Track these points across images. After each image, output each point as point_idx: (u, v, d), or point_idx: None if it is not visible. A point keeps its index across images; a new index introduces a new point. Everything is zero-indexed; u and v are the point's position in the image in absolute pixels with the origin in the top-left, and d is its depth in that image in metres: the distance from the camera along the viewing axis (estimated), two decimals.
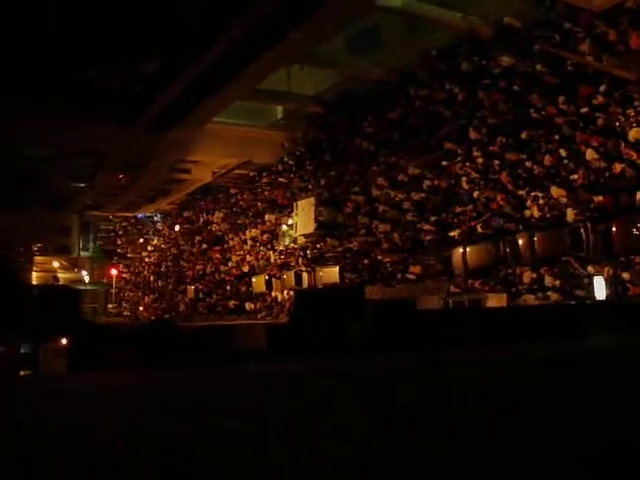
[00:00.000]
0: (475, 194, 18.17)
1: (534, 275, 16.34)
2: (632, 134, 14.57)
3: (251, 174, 30.76)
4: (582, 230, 15.04)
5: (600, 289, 14.41)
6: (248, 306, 29.74)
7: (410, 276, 19.99)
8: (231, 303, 31.24)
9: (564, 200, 15.71)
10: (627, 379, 5.07)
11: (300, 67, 23.08)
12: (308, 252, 25.52)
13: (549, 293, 15.72)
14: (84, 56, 17.89)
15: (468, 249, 17.97)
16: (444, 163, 19.24)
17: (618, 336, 9.39)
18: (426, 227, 19.61)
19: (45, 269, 43.23)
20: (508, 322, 11.67)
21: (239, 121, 26.05)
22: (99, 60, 18.39)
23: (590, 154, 15.31)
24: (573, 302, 14.84)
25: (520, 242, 16.54)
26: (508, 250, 16.88)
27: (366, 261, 21.83)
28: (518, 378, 5.50)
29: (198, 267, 35.93)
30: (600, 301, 14.10)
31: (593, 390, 4.76)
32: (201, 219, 36.86)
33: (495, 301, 16.52)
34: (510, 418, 3.99)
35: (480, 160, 18.16)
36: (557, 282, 15.72)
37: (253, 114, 26.88)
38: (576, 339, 9.20)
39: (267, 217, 29.08)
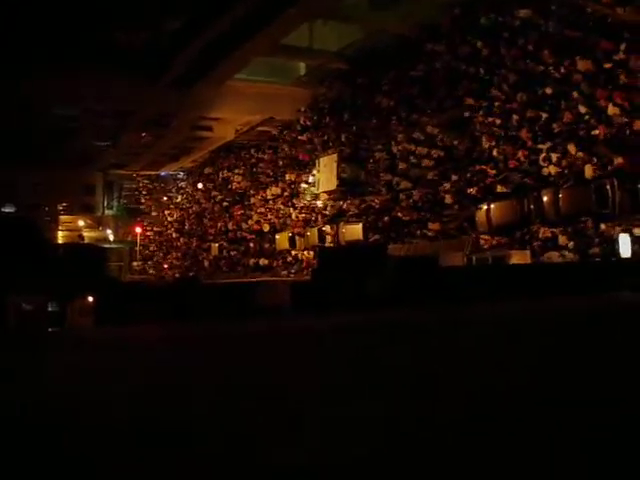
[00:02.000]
0: (494, 152, 18.03)
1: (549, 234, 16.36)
2: None
3: (274, 132, 30.62)
4: (608, 187, 14.86)
5: (625, 247, 14.29)
6: (262, 262, 29.98)
7: (429, 233, 19.99)
8: (251, 261, 31.44)
9: (580, 156, 15.59)
10: None
11: (323, 23, 22.79)
12: (328, 209, 25.53)
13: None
14: (108, 15, 17.85)
15: (492, 206, 17.86)
16: (466, 114, 19.06)
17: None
18: (446, 186, 19.55)
19: (70, 228, 43.50)
20: (532, 279, 11.66)
21: (262, 78, 25.87)
22: (123, 19, 18.34)
23: (612, 110, 15.09)
24: (598, 259, 14.74)
25: (545, 199, 16.40)
26: (532, 207, 16.75)
27: (386, 218, 21.79)
28: (539, 334, 5.51)
29: (220, 225, 36.08)
30: (625, 259, 14.00)
31: (615, 345, 4.77)
32: (221, 176, 36.88)
33: (518, 258, 16.45)
34: (530, 374, 4.00)
35: (500, 117, 17.97)
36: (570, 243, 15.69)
37: (276, 71, 26.67)
38: (599, 295, 9.18)
39: (288, 175, 29.04)
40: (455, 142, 19.43)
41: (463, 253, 17.95)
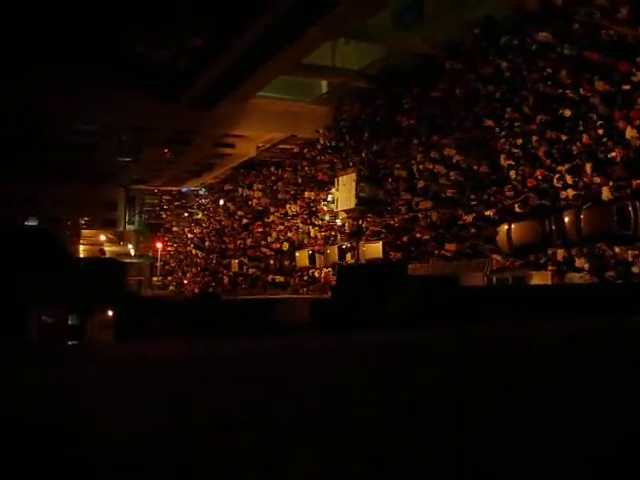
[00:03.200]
0: (512, 174, 18.03)
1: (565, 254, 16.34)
2: None
3: (295, 149, 30.74)
4: (630, 208, 14.76)
5: None
6: (278, 279, 30.18)
7: (447, 253, 19.99)
8: (269, 277, 31.57)
9: (597, 180, 15.57)
10: None
11: (345, 42, 22.93)
12: (347, 227, 25.61)
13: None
14: (131, 31, 18.05)
15: (513, 226, 17.78)
16: (486, 135, 19.08)
17: None
18: (463, 215, 19.65)
19: (92, 242, 43.87)
20: (553, 300, 11.58)
21: (284, 95, 26.03)
22: (146, 35, 18.54)
23: (630, 132, 15.04)
24: (620, 281, 14.63)
25: (566, 220, 16.30)
26: (554, 227, 16.65)
27: (405, 238, 21.82)
28: (558, 354, 5.47)
29: (239, 242, 36.25)
30: None
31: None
32: (241, 193, 37.08)
33: (539, 279, 16.35)
34: (549, 394, 3.98)
35: (519, 137, 17.95)
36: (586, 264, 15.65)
37: (298, 88, 26.85)
38: (621, 317, 9.08)
39: (307, 193, 29.15)
40: (474, 164, 19.43)
41: (483, 273, 17.88)
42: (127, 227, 46.63)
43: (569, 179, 16.37)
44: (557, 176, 16.67)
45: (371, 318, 9.91)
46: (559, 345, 6.11)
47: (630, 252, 14.79)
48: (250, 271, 34.40)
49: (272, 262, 31.89)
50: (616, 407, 3.59)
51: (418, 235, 21.29)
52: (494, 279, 17.49)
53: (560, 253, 16.47)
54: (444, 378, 4.65)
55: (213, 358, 6.07)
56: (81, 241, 43.53)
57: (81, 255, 40.49)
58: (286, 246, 30.56)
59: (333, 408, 3.75)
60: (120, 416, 3.74)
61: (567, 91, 16.62)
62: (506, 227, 17.96)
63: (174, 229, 47.33)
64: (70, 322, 11.08)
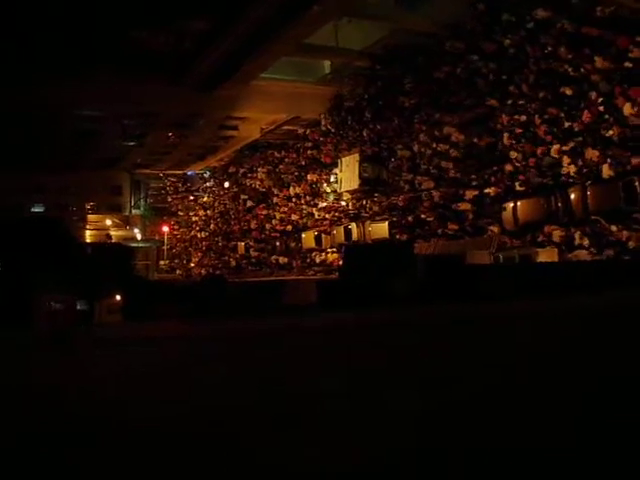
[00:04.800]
0: (512, 154, 18.00)
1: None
2: None
3: (299, 130, 30.64)
4: (636, 183, 14.71)
5: None
6: (281, 260, 30.32)
7: (449, 232, 20.04)
8: (272, 258, 31.72)
9: (596, 158, 15.55)
10: None
11: (348, 21, 22.75)
12: (350, 207, 25.66)
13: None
14: (133, 16, 17.96)
15: (519, 204, 17.75)
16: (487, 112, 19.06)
17: None
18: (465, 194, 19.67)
19: (98, 227, 43.91)
20: (560, 277, 11.58)
21: (287, 77, 25.88)
22: (148, 19, 18.46)
23: (628, 109, 14.98)
24: (627, 257, 14.62)
25: (572, 196, 16.27)
26: (560, 205, 16.62)
27: (410, 218, 21.84)
28: (566, 329, 5.48)
29: (243, 224, 36.33)
30: None
31: None
32: (245, 175, 37.11)
33: (546, 256, 16.33)
34: (551, 368, 3.99)
35: (522, 115, 17.89)
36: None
37: (301, 69, 26.67)
38: (625, 292, 9.09)
39: (310, 175, 29.18)
40: (475, 143, 19.44)
41: (489, 251, 17.86)
42: (133, 211, 46.68)
43: (569, 158, 16.36)
44: (557, 152, 16.65)
45: (378, 297, 9.93)
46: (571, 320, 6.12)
47: (625, 232, 14.89)
48: (254, 254, 34.51)
49: (278, 244, 31.96)
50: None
51: (422, 216, 21.30)
52: (500, 257, 17.48)
53: (556, 234, 16.53)
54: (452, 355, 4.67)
55: (220, 338, 6.09)
56: (87, 226, 43.58)
57: (88, 240, 40.58)
58: (289, 227, 30.63)
59: (345, 388, 3.77)
60: (131, 397, 3.77)
61: (568, 68, 16.54)
62: (512, 205, 17.94)
63: (180, 213, 47.36)
64: (79, 307, 11.13)
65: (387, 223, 22.79)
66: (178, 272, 44.34)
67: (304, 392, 3.55)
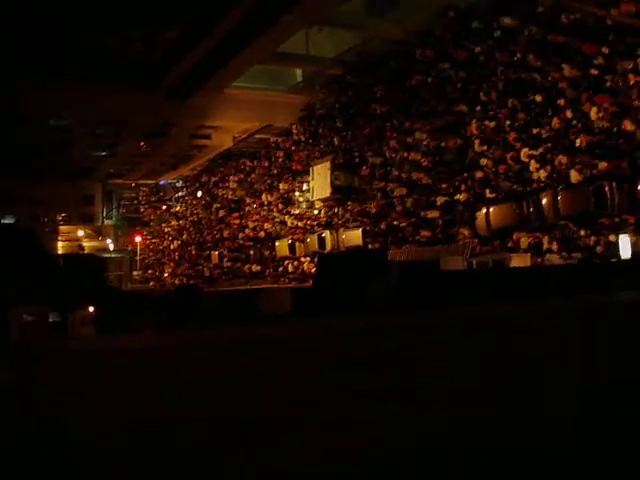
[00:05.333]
0: (482, 161, 18.20)
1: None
2: None
3: (271, 139, 30.66)
4: (606, 188, 14.90)
5: (625, 248, 14.33)
6: (254, 269, 30.41)
7: (422, 239, 20.15)
8: (246, 267, 31.76)
9: (565, 162, 15.81)
10: None
11: (319, 29, 22.84)
12: (322, 215, 25.78)
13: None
14: (104, 26, 17.90)
15: (491, 209, 17.90)
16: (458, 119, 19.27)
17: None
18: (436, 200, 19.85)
19: (70, 238, 43.59)
20: (533, 281, 11.65)
21: (259, 85, 25.93)
22: (118, 27, 18.39)
23: (594, 115, 15.22)
24: (597, 261, 14.79)
25: (544, 201, 16.44)
26: (532, 210, 16.78)
27: (383, 225, 21.93)
28: (538, 335, 5.51)
29: (216, 233, 36.29)
30: (625, 260, 14.03)
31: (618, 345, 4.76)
32: (218, 184, 37.11)
33: (519, 261, 16.47)
34: (532, 376, 4.00)
35: (492, 122, 18.10)
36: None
37: (273, 78, 26.74)
38: (597, 295, 9.16)
39: (282, 183, 29.27)
40: (444, 144, 19.64)
41: (463, 257, 17.98)
42: (105, 222, 46.40)
43: (538, 164, 16.59)
44: (527, 157, 16.88)
45: (353, 305, 9.93)
46: (547, 324, 6.14)
47: (592, 237, 15.20)
48: (227, 263, 34.47)
49: (252, 252, 31.92)
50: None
51: (395, 222, 21.39)
52: (474, 262, 17.60)
53: (524, 240, 16.76)
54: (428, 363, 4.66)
55: (198, 348, 6.04)
56: (59, 237, 43.23)
57: (60, 251, 40.26)
58: (262, 234, 30.69)
59: (319, 399, 3.75)
60: (102, 409, 3.71)
61: (536, 75, 16.77)
62: (484, 211, 18.08)
63: (152, 223, 47.16)
64: (51, 319, 11.03)
65: (361, 230, 22.85)
66: (152, 283, 44.10)
67: (286, 398, 3.53)
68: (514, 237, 17.16)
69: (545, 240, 16.33)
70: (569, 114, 15.91)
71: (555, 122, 16.23)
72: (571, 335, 5.12)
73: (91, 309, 11.69)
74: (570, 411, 3.13)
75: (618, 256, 14.39)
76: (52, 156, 32.89)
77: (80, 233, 44.32)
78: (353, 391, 3.66)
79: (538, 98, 16.70)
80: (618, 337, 4.92)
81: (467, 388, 3.73)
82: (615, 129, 14.96)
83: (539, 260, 16.24)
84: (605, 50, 15.17)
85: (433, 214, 19.90)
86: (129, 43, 19.90)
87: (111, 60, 20.50)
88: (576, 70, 15.80)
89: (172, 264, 42.97)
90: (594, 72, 15.40)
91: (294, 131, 28.05)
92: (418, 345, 5.09)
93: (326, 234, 24.83)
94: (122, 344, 6.86)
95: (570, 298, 8.61)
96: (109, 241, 45.77)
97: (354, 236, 23.12)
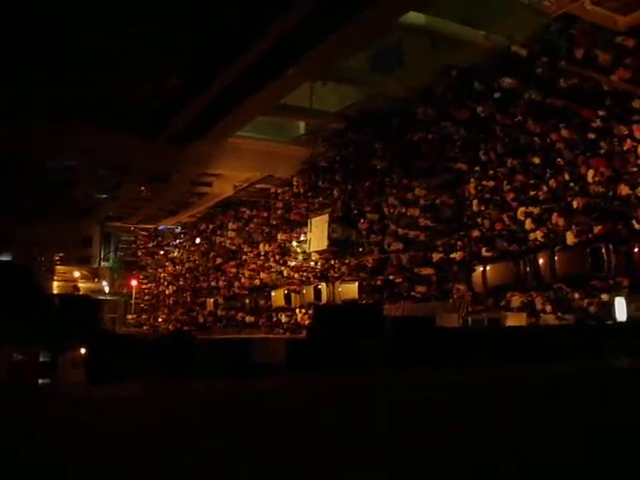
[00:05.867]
0: (479, 220, 18.33)
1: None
2: None
3: (272, 189, 30.82)
4: (603, 250, 14.97)
5: (621, 310, 14.32)
6: (248, 319, 30.35)
7: (417, 295, 20.15)
8: (239, 316, 31.68)
9: (562, 223, 15.96)
10: None
11: (323, 83, 23.15)
12: (319, 267, 25.87)
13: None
14: (109, 70, 18.11)
15: (488, 267, 17.93)
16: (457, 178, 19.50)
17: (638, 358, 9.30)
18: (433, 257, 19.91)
19: (66, 279, 43.48)
20: (527, 342, 11.61)
21: (261, 136, 26.16)
22: (124, 74, 18.60)
23: (591, 178, 15.42)
24: (593, 323, 14.77)
25: (540, 261, 16.49)
26: (528, 269, 16.82)
27: (379, 280, 21.94)
28: (535, 399, 5.47)
29: (212, 281, 36.26)
30: (621, 322, 14.02)
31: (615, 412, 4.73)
32: (216, 232, 37.20)
33: (514, 320, 16.45)
34: (526, 439, 3.97)
35: (491, 182, 18.29)
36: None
37: (275, 129, 27.01)
38: (597, 360, 9.12)
39: (280, 234, 29.42)
40: (440, 201, 19.81)
41: (459, 314, 17.96)
42: (102, 264, 46.36)
43: (535, 225, 16.73)
44: (523, 216, 17.03)
45: (347, 359, 9.87)
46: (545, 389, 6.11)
47: (586, 300, 15.27)
48: (222, 312, 34.35)
49: (247, 301, 31.82)
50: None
51: (391, 277, 21.42)
52: (469, 320, 17.56)
53: (515, 299, 16.77)
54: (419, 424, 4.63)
55: (186, 400, 6.00)
56: (55, 277, 43.13)
57: (55, 291, 40.09)
58: (257, 282, 30.69)
59: (312, 455, 3.72)
60: (92, 460, 3.67)
61: (535, 138, 17.00)
62: (481, 269, 18.11)
63: (149, 269, 47.09)
64: (41, 359, 10.92)
65: (357, 284, 22.85)
66: (145, 327, 43.85)
67: (277, 461, 3.50)
68: (507, 296, 17.21)
69: (538, 300, 16.37)
70: (566, 176, 16.11)
71: (552, 183, 16.42)
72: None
73: (83, 351, 11.59)
74: None
75: (613, 318, 14.39)
76: (52, 196, 32.98)
77: (76, 274, 44.23)
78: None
79: (536, 160, 16.91)
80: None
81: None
82: (611, 193, 15.14)
83: (534, 320, 16.23)
84: (602, 113, 15.43)
85: (427, 270, 19.94)
86: (134, 88, 20.10)
87: (115, 105, 20.70)
88: (574, 133, 16.03)
89: (166, 309, 42.79)
90: (591, 136, 15.64)
91: (294, 183, 28.24)
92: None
93: (322, 286, 24.81)
94: (113, 393, 6.79)
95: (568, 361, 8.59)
96: (105, 283, 45.65)
97: (350, 289, 23.12)
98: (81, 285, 43.42)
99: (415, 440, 4.06)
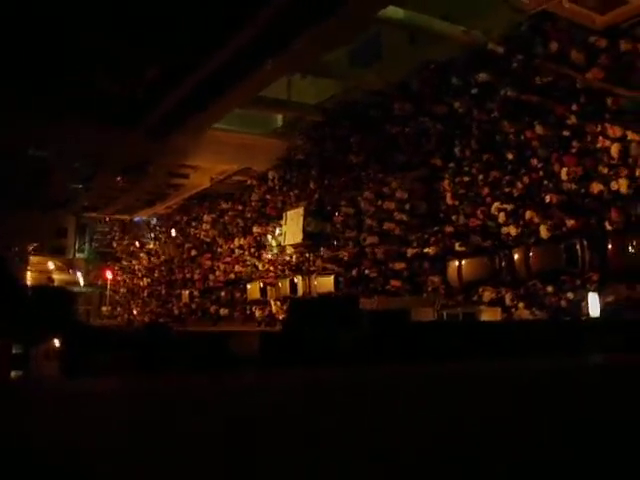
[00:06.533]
0: (453, 216, 18.48)
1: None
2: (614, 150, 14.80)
3: (249, 181, 30.76)
4: (578, 246, 15.10)
5: (594, 306, 14.47)
6: (222, 312, 30.36)
7: (391, 289, 20.25)
8: (212, 308, 31.68)
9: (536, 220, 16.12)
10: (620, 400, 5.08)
11: (301, 76, 23.11)
12: (294, 261, 25.95)
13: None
14: (88, 60, 17.95)
15: (463, 262, 18.03)
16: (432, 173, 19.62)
17: (612, 354, 9.40)
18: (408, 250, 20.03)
19: (40, 270, 43.15)
20: (501, 336, 11.70)
21: (239, 128, 26.07)
22: (102, 64, 18.46)
23: (564, 175, 15.58)
24: (567, 318, 14.91)
25: (516, 257, 16.60)
26: (504, 264, 16.94)
27: (354, 273, 22.00)
28: (505, 394, 5.51)
29: (187, 273, 36.18)
30: (594, 318, 14.17)
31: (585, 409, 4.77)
32: (191, 224, 37.09)
33: (489, 314, 16.57)
34: (503, 434, 4.00)
35: (465, 178, 18.44)
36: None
37: (253, 121, 26.92)
38: (569, 355, 9.21)
39: (256, 227, 29.43)
40: (418, 203, 19.94)
41: (434, 308, 18.05)
42: (77, 255, 46.04)
43: (509, 219, 16.88)
44: (497, 211, 17.18)
45: (322, 352, 9.88)
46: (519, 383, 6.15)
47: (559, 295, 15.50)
48: (196, 302, 34.31)
49: (223, 294, 31.77)
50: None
51: (367, 271, 21.48)
52: (444, 314, 17.67)
53: (487, 294, 16.91)
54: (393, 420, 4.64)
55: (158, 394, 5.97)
56: (29, 268, 42.75)
57: (29, 282, 39.77)
58: (232, 277, 30.68)
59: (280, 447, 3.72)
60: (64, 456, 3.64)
61: (510, 134, 17.13)
62: (457, 263, 18.20)
63: (124, 260, 46.82)
64: (14, 351, 10.82)
65: (333, 277, 22.87)
66: (119, 319, 43.64)
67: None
68: (480, 291, 17.36)
69: (508, 296, 16.53)
70: (540, 173, 16.27)
71: (526, 179, 16.56)
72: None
73: (57, 343, 11.49)
74: None
75: (586, 313, 14.54)
76: (27, 186, 32.65)
77: (51, 265, 43.89)
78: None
79: (510, 155, 17.06)
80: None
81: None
82: (583, 190, 15.30)
83: (508, 314, 16.38)
84: (575, 108, 15.59)
85: (400, 265, 20.04)
86: (113, 79, 19.94)
87: (93, 96, 20.51)
88: (548, 130, 16.17)
89: (141, 301, 42.61)
90: (565, 133, 15.79)
91: (270, 177, 28.25)
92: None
93: (298, 279, 24.83)
94: (90, 387, 6.75)
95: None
96: (79, 275, 45.34)
97: (326, 282, 23.13)
98: (55, 276, 43.12)
99: (393, 433, 4.07)
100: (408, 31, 20.08)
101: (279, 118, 27.67)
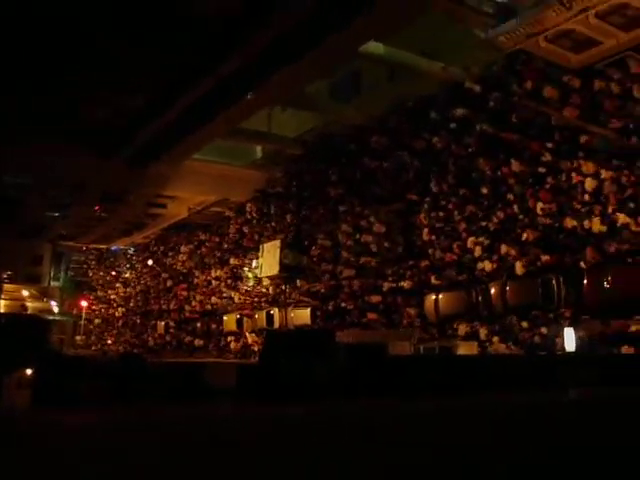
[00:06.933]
0: (430, 250, 18.58)
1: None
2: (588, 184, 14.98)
3: (226, 212, 30.74)
4: (554, 282, 15.18)
5: (570, 341, 14.52)
6: (197, 343, 30.22)
7: (368, 322, 20.25)
8: (187, 339, 31.53)
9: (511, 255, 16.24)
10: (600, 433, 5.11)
11: (282, 109, 23.24)
12: (270, 293, 25.97)
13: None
14: (69, 88, 17.95)
15: (440, 296, 18.07)
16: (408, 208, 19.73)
17: (587, 388, 9.45)
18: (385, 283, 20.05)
19: (14, 297, 42.56)
20: (478, 371, 11.71)
21: (218, 159, 26.08)
22: (84, 93, 18.46)
23: (540, 210, 15.76)
24: (543, 353, 14.95)
25: (492, 291, 16.66)
26: (480, 299, 16.99)
27: (331, 306, 21.99)
28: (483, 431, 5.52)
29: (163, 303, 35.94)
30: (569, 353, 14.21)
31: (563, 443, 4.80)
32: (168, 254, 36.94)
33: (466, 349, 16.57)
34: (479, 465, 4.01)
35: (441, 213, 18.60)
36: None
37: (232, 153, 26.94)
38: (544, 390, 9.24)
39: (232, 259, 29.41)
40: (395, 237, 20.02)
41: (410, 342, 18.02)
42: (52, 283, 45.58)
43: (484, 253, 16.99)
44: (473, 245, 17.31)
45: (298, 385, 9.83)
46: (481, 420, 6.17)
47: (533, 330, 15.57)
48: (171, 333, 34.06)
49: (199, 325, 31.57)
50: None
51: (343, 304, 21.48)
52: (421, 348, 17.65)
53: (462, 328, 16.98)
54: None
55: (134, 427, 5.91)
56: (2, 296, 42.18)
57: (1, 310, 39.25)
58: (209, 308, 30.56)
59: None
60: None
61: (486, 170, 17.33)
62: (433, 297, 18.24)
63: (99, 290, 46.41)
64: None
65: (309, 310, 22.83)
66: (93, 348, 43.13)
67: None
68: (455, 325, 17.42)
69: (482, 331, 16.60)
70: (515, 208, 16.43)
71: (502, 214, 16.73)
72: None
73: (29, 372, 11.34)
74: None
75: (562, 348, 14.58)
76: (2, 213, 32.35)
77: (25, 293, 43.35)
78: None
79: (485, 190, 17.24)
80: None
81: None
82: (557, 225, 15.47)
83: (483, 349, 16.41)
84: (550, 146, 15.82)
85: (376, 298, 20.06)
86: (93, 109, 19.93)
87: (73, 124, 20.47)
88: (524, 166, 16.38)
89: (116, 331, 42.20)
90: (541, 170, 16.00)
91: (247, 209, 28.30)
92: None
93: (274, 311, 24.77)
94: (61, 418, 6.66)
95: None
96: (54, 303, 44.81)
97: (303, 315, 23.07)
98: (29, 304, 42.54)
99: (367, 467, 4.05)
100: (388, 67, 20.30)
101: (258, 150, 27.73)
